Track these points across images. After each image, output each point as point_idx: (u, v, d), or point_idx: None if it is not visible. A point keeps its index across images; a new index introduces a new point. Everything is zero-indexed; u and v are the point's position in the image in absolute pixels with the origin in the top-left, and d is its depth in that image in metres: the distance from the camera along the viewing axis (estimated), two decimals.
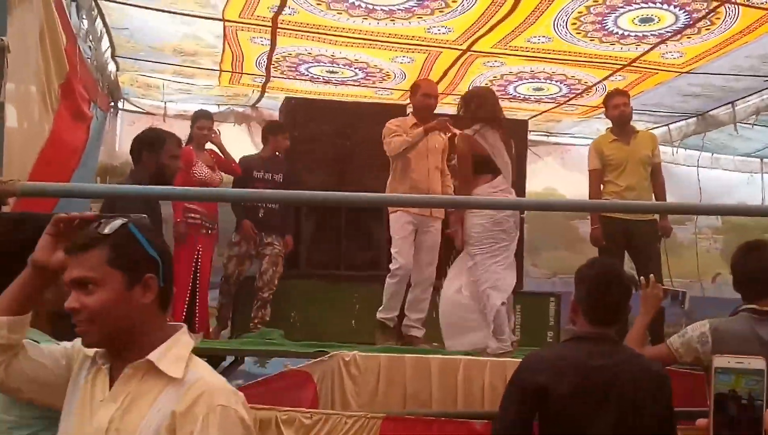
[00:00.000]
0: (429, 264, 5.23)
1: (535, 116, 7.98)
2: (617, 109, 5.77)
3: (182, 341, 1.81)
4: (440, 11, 5.27)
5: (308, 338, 4.95)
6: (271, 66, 6.64)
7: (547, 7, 5.17)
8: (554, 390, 2.61)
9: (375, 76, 6.91)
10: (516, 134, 6.91)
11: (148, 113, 7.74)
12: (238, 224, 5.85)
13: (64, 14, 4.32)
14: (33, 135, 3.84)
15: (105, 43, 6.04)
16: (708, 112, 7.67)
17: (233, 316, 6.01)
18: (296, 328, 5.71)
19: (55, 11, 3.99)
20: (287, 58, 6.48)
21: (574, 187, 7.17)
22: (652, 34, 5.69)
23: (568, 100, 7.50)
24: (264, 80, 7.09)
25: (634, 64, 6.31)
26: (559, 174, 8.51)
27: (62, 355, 1.90)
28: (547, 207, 6.34)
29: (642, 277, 3.45)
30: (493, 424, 2.85)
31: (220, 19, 5.56)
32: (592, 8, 5.23)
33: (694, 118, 7.93)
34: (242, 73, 6.92)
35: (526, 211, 6.86)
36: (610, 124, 6.02)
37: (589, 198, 5.75)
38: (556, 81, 6.97)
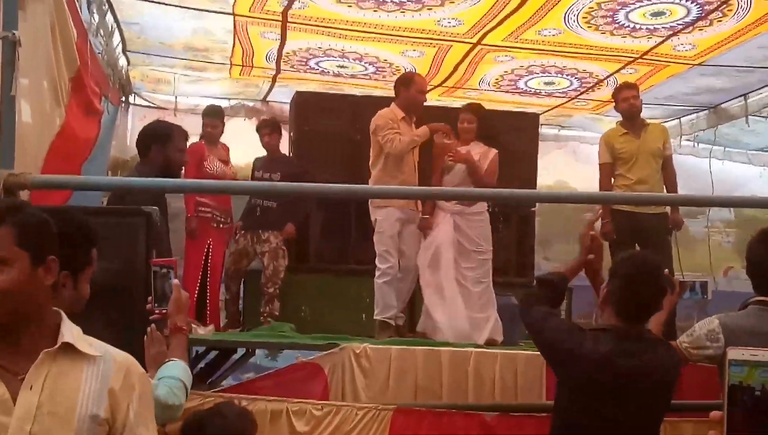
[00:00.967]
0: (414, 256, 5.30)
1: (546, 111, 7.96)
2: (626, 102, 5.74)
3: (69, 321, 1.81)
4: (451, 1, 5.25)
5: (319, 332, 4.96)
6: (281, 61, 6.64)
7: (558, 1, 5.15)
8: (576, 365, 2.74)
9: (385, 71, 6.89)
10: (526, 128, 6.95)
11: (158, 108, 7.77)
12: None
13: (75, 9, 4.34)
14: (44, 129, 3.87)
15: (116, 38, 6.07)
16: (720, 105, 7.62)
17: (244, 310, 6.04)
18: (307, 322, 5.72)
19: (67, 6, 4.02)
20: (297, 53, 6.49)
21: (586, 181, 7.14)
22: (663, 27, 5.66)
23: (579, 95, 7.46)
24: (274, 73, 7.09)
25: (645, 57, 6.27)
26: (570, 167, 8.48)
27: None
28: (557, 199, 6.32)
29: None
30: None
31: (230, 14, 5.57)
32: (602, 4, 5.22)
33: (706, 111, 7.89)
34: (252, 67, 6.93)
35: (537, 205, 6.87)
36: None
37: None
38: (567, 75, 6.94)
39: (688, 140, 8.37)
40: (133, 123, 7.58)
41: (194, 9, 5.49)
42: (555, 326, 2.88)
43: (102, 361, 1.75)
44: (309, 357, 4.03)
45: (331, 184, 4.41)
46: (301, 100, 6.74)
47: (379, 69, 6.86)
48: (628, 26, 5.63)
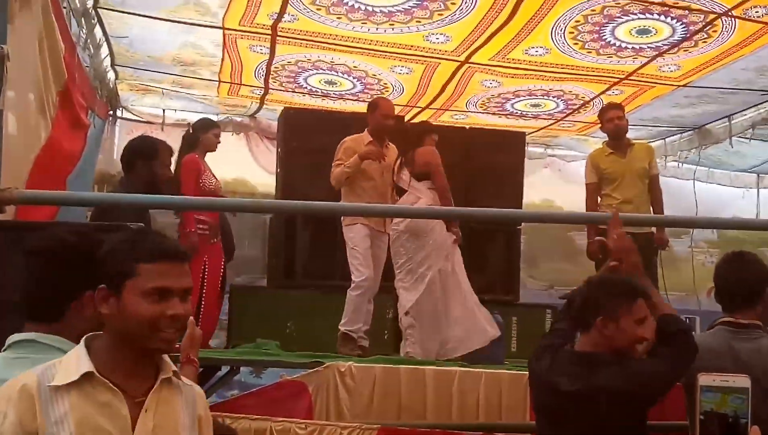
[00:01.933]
0: (378, 276, 5.34)
1: (532, 132, 8.00)
2: (612, 123, 5.77)
3: None
4: (439, 14, 5.27)
5: (304, 349, 4.94)
6: (270, 76, 6.65)
7: (545, 15, 5.18)
8: None
9: (373, 88, 6.92)
10: (513, 146, 6.99)
11: (146, 122, 7.75)
12: None
13: (63, 22, 4.33)
14: (29, 142, 3.84)
15: (104, 52, 6.06)
16: (704, 126, 7.70)
17: (229, 326, 6.00)
18: (292, 339, 5.68)
19: (55, 19, 4.00)
20: (286, 66, 6.50)
21: (572, 199, 7.18)
22: (649, 47, 5.72)
23: (565, 116, 7.51)
24: (262, 92, 7.10)
25: (631, 78, 6.33)
26: (556, 186, 8.54)
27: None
28: (543, 219, 6.35)
29: None
30: None
31: (219, 27, 5.57)
32: (589, 17, 5.26)
33: (690, 132, 7.96)
34: (241, 84, 6.93)
35: (523, 223, 6.89)
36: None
37: (586, 212, 5.75)
38: (554, 96, 6.99)
39: (672, 161, 8.45)
40: (121, 137, 7.56)
41: (184, 23, 5.50)
42: (537, 347, 2.85)
43: (188, 389, 1.86)
44: (294, 375, 4.01)
45: (317, 202, 4.43)
46: (290, 116, 6.74)
47: (368, 86, 6.89)
48: (615, 45, 5.69)
